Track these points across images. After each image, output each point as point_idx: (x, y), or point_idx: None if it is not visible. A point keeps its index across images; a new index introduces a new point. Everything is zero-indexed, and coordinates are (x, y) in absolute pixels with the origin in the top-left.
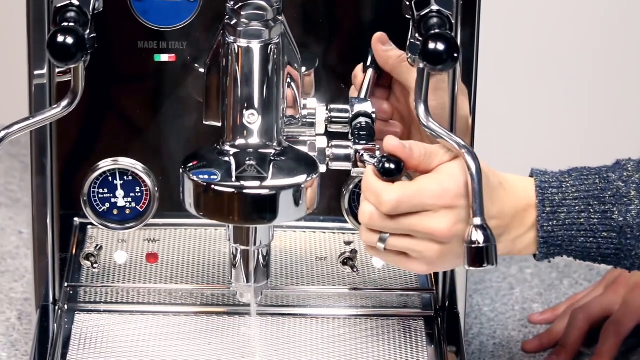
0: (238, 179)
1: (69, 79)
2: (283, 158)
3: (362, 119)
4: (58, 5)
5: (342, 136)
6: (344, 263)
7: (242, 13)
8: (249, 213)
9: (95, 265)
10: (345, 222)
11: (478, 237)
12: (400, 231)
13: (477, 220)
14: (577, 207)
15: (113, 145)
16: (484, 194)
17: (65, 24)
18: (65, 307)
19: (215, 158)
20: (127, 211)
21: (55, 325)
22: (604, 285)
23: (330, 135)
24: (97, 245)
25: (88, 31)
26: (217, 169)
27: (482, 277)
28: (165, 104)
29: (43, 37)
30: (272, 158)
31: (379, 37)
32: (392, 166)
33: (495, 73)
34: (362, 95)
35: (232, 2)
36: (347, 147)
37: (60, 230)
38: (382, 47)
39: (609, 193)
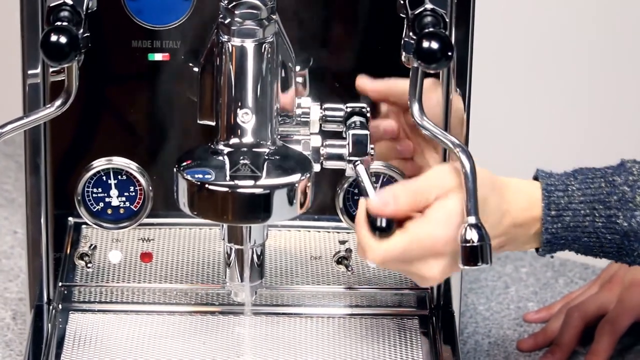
0: (232, 178)
1: (63, 78)
2: (277, 157)
3: (356, 118)
4: (51, 5)
5: (337, 135)
6: (338, 262)
7: (236, 12)
8: (243, 212)
9: (89, 265)
10: (340, 221)
11: (472, 235)
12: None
13: (472, 219)
14: (582, 211)
15: (107, 145)
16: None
17: (59, 23)
18: (60, 306)
19: (209, 157)
20: (121, 210)
21: (50, 325)
22: (599, 283)
23: (325, 134)
24: (92, 244)
25: (82, 30)
26: (211, 168)
27: (477, 276)
28: (159, 103)
29: (37, 37)
30: (266, 157)
31: (360, 77)
32: (383, 224)
33: (489, 72)
34: (369, 189)
35: (226, 1)
36: (341, 146)
37: (55, 229)
38: (368, 81)
39: (615, 197)
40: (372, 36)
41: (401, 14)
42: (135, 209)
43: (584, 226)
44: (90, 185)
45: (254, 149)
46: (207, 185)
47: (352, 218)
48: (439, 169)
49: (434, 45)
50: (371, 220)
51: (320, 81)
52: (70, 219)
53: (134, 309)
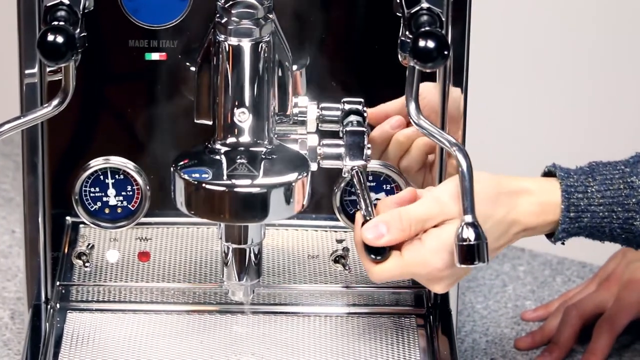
0: (229, 177)
1: (60, 78)
2: (274, 156)
3: (353, 117)
4: (48, 4)
5: (333, 134)
6: (335, 261)
7: (233, 11)
8: (240, 211)
9: (87, 264)
10: (337, 220)
11: (469, 234)
12: None
13: (468, 218)
14: (600, 213)
15: (104, 144)
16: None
17: (56, 23)
18: (57, 306)
19: (206, 157)
20: (119, 210)
21: (48, 324)
22: (596, 282)
23: (321, 134)
24: (89, 244)
25: (78, 30)
26: (208, 168)
27: (474, 275)
28: (156, 102)
29: (33, 36)
30: (263, 156)
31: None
32: (377, 249)
33: (486, 70)
34: (364, 204)
35: (222, 1)
36: (338, 145)
37: (52, 229)
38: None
39: (633, 200)
40: (369, 35)
41: (397, 13)
42: (133, 209)
43: (601, 227)
44: (88, 185)
45: (251, 148)
46: (204, 185)
47: (349, 217)
48: (437, 195)
49: (430, 44)
50: (365, 245)
51: (316, 80)
52: (67, 218)
53: (131, 308)
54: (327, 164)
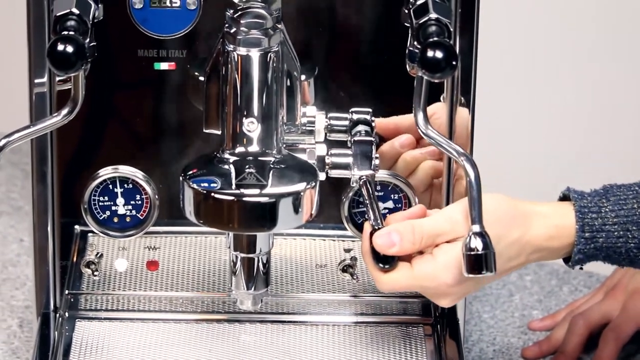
0: (238, 186)
1: (69, 87)
2: (282, 166)
3: (361, 127)
4: (58, 14)
5: (342, 144)
6: (343, 270)
7: (242, 21)
8: (249, 221)
9: (95, 273)
10: (345, 229)
11: (477, 244)
12: None
13: (476, 228)
14: (615, 233)
15: (113, 153)
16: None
17: (65, 32)
18: (66, 314)
19: (215, 166)
20: (128, 219)
21: (56, 332)
22: (603, 291)
23: (330, 143)
24: (98, 253)
25: (88, 40)
26: (216, 177)
27: None
28: (165, 112)
29: (43, 46)
30: (272, 166)
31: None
32: (386, 258)
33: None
34: (373, 214)
35: (231, 11)
36: (346, 155)
37: (61, 238)
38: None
39: None
40: (377, 45)
41: (406, 23)
42: (142, 218)
43: (617, 247)
44: (97, 194)
45: (259, 158)
46: (213, 194)
47: (357, 226)
48: (450, 213)
49: (439, 54)
50: (374, 250)
51: (325, 90)
52: (76, 227)
53: (140, 316)
54: (336, 173)
